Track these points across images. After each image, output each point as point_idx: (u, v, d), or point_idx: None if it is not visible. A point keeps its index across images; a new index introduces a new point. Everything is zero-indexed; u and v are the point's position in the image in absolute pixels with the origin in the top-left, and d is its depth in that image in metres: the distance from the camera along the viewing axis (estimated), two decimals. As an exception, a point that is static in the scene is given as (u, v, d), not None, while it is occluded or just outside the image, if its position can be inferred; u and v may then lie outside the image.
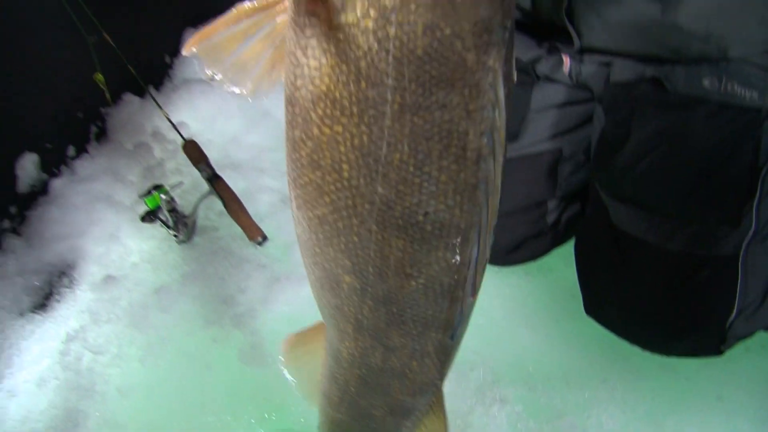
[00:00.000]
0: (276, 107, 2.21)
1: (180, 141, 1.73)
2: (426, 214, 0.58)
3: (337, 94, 0.54)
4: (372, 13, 0.50)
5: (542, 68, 1.27)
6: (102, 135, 2.05)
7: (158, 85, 2.34)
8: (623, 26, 1.12)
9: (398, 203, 0.58)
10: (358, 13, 0.51)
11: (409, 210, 0.58)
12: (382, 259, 0.62)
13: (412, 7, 0.49)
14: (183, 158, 1.74)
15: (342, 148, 0.57)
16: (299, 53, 0.56)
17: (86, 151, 1.96)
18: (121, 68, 1.77)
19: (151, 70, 2.33)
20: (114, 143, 2.02)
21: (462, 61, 0.51)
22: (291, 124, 0.59)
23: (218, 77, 0.65)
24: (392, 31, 0.50)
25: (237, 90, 0.65)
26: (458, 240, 0.60)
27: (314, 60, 0.55)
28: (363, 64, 0.52)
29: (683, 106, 1.11)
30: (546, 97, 1.28)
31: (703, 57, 1.09)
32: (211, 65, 0.64)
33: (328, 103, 0.55)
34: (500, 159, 0.57)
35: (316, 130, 0.57)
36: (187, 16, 2.48)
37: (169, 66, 2.42)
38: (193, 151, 1.63)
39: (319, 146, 0.58)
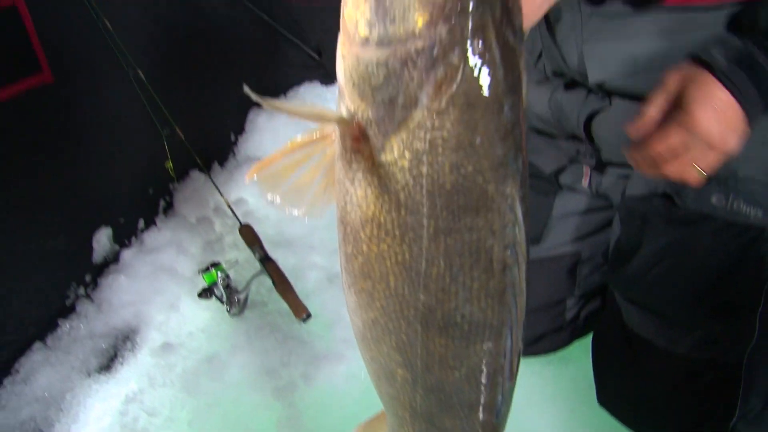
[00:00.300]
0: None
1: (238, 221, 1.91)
2: (463, 316, 0.68)
3: (382, 219, 0.65)
4: (407, 154, 0.60)
5: (565, 178, 1.39)
6: (169, 208, 2.26)
7: (222, 161, 2.56)
8: None
9: (438, 308, 0.67)
10: (396, 154, 0.61)
11: (448, 313, 0.68)
12: (428, 355, 0.71)
13: (440, 149, 0.59)
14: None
15: (388, 263, 0.67)
16: (347, 183, 0.66)
17: (154, 224, 2.17)
18: (190, 150, 1.98)
19: (217, 147, 2.56)
20: (179, 217, 2.22)
21: (484, 192, 0.61)
22: (344, 240, 0.69)
23: (277, 201, 0.72)
24: (424, 169, 0.60)
25: (294, 212, 0.73)
26: (492, 335, 0.70)
27: (361, 190, 0.65)
28: (402, 195, 0.62)
29: (692, 222, 1.21)
30: (567, 204, 1.39)
31: (712, 175, 1.19)
32: (270, 191, 0.72)
33: (374, 226, 0.65)
34: (523, 267, 0.66)
35: (365, 248, 0.67)
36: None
37: (234, 143, 2.65)
38: (248, 235, 1.80)
39: (369, 261, 0.68)
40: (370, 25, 0.58)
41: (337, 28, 0.62)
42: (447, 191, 0.61)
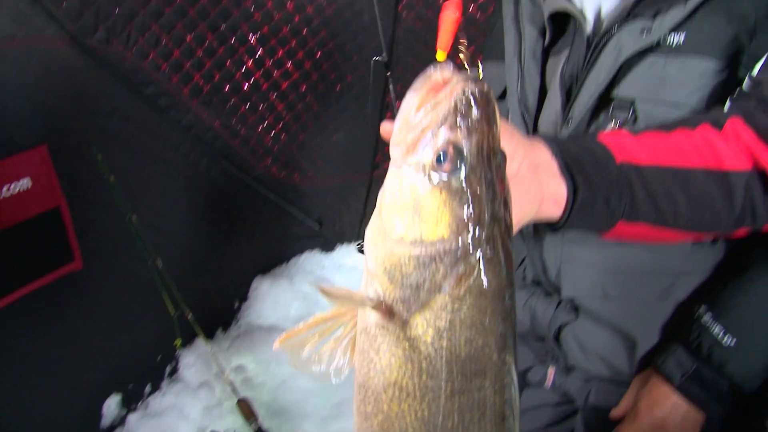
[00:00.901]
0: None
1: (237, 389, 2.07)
2: None
3: (404, 383, 0.77)
4: (430, 330, 0.74)
5: (532, 376, 1.56)
6: (174, 372, 2.42)
7: (226, 328, 2.75)
8: (599, 357, 1.40)
9: None
10: (420, 330, 0.75)
11: None
12: None
13: (458, 327, 0.74)
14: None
15: (408, 419, 0.79)
16: (372, 353, 0.78)
17: (159, 388, 2.33)
18: (195, 318, 2.19)
19: (221, 314, 2.77)
20: (182, 382, 2.38)
21: (489, 360, 0.76)
22: (363, 401, 0.79)
23: (299, 367, 0.82)
24: (444, 342, 0.74)
25: (315, 377, 0.82)
26: None
27: (385, 359, 0.77)
28: (424, 364, 0.75)
29: None
30: (532, 400, 1.55)
31: None
32: (295, 360, 0.81)
33: (396, 389, 0.77)
34: (518, 417, 0.81)
35: (386, 407, 0.78)
36: (257, 266, 2.98)
37: (237, 310, 2.86)
38: (245, 408, 1.97)
39: (389, 418, 0.79)
40: (407, 228, 0.73)
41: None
42: (462, 360, 0.77)
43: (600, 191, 0.96)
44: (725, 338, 1.15)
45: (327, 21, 2.46)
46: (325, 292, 0.76)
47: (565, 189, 0.93)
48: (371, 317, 0.78)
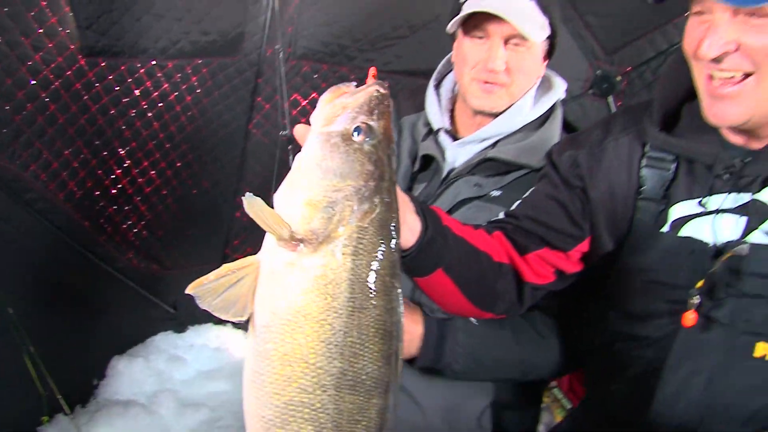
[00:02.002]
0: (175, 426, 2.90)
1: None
2: (367, 374, 0.92)
3: (309, 309, 0.90)
4: (339, 256, 0.90)
5: None
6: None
7: (84, 403, 3.01)
8: None
9: (350, 370, 0.91)
10: (327, 258, 0.90)
11: (357, 374, 0.91)
12: (339, 413, 0.91)
13: (362, 252, 0.91)
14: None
15: (311, 344, 0.89)
16: (278, 290, 0.91)
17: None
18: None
19: (81, 391, 3.02)
20: (43, 456, 2.62)
21: (385, 282, 0.93)
22: (264, 341, 0.90)
23: (209, 310, 0.93)
24: (349, 265, 0.91)
25: (224, 317, 0.93)
26: (383, 391, 0.94)
27: (292, 291, 0.90)
28: (330, 288, 0.90)
29: None
30: None
31: None
32: (204, 302, 0.93)
33: (301, 317, 0.90)
34: (402, 338, 0.96)
35: (289, 338, 0.90)
36: (115, 346, 3.27)
37: (95, 387, 3.12)
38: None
39: (292, 348, 0.90)
40: (326, 175, 0.93)
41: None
42: (362, 280, 0.91)
43: (437, 236, 1.23)
44: None
45: (188, 137, 2.94)
46: (253, 208, 0.90)
47: (420, 224, 1.18)
48: (278, 258, 0.92)
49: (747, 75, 1.20)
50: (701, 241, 1.36)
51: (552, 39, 1.85)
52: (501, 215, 1.58)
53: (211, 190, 3.14)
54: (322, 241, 0.91)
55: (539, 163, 1.74)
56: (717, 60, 1.20)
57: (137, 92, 2.67)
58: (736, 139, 1.34)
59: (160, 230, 3.11)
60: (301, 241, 0.91)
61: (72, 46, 2.40)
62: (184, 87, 2.78)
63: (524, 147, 1.81)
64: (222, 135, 2.99)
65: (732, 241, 1.32)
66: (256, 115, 2.98)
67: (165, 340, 3.46)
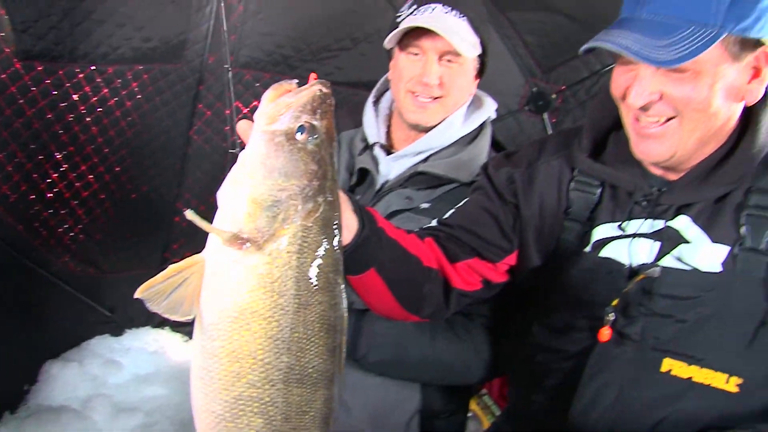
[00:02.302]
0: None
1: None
2: (313, 367, 0.95)
3: (256, 307, 0.91)
4: (284, 254, 0.92)
5: None
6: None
7: (14, 409, 2.96)
8: None
9: (297, 365, 0.94)
10: (273, 256, 0.91)
11: (304, 367, 0.94)
12: (287, 406, 0.94)
13: (306, 250, 0.93)
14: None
15: (258, 341, 0.91)
16: (224, 288, 0.92)
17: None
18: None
19: (10, 396, 2.97)
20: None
21: (328, 279, 0.96)
22: (211, 339, 0.92)
23: (159, 312, 0.94)
24: (295, 263, 0.93)
25: (173, 318, 0.96)
26: (328, 383, 0.97)
27: (238, 289, 0.91)
28: (276, 285, 0.92)
29: None
30: None
31: None
32: (153, 305, 0.94)
33: (248, 314, 0.91)
34: (345, 331, 0.99)
35: (236, 336, 0.91)
36: (48, 351, 3.22)
37: (26, 393, 3.07)
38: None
39: (239, 346, 0.91)
40: (271, 174, 0.93)
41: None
42: (307, 277, 0.94)
43: (372, 236, 1.26)
44: None
45: (127, 142, 2.93)
46: (194, 220, 0.93)
47: (357, 223, 1.20)
48: (224, 257, 0.93)
49: (670, 117, 1.33)
50: (618, 262, 1.47)
51: (483, 58, 1.96)
52: (434, 223, 1.66)
53: (151, 194, 3.13)
54: (267, 239, 0.92)
55: (468, 178, 1.86)
56: (644, 108, 1.32)
57: (75, 97, 2.64)
58: (656, 170, 1.45)
59: (98, 234, 3.09)
60: (247, 240, 0.92)
61: (7, 50, 2.37)
62: (124, 92, 2.77)
63: (454, 162, 1.92)
64: (162, 141, 2.99)
65: (646, 264, 1.44)
66: (197, 121, 3.00)
67: (101, 343, 3.42)
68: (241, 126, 1.02)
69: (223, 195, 0.98)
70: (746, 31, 1.26)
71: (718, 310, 1.38)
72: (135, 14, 2.61)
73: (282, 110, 0.96)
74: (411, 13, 1.90)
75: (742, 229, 1.37)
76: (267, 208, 0.93)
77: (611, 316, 1.44)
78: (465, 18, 1.88)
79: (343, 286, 1.01)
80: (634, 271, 1.45)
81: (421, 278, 1.48)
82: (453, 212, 1.66)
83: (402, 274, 1.42)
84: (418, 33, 1.86)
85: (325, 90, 0.98)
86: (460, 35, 1.85)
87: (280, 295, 0.93)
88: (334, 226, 0.99)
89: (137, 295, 0.94)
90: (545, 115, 3.10)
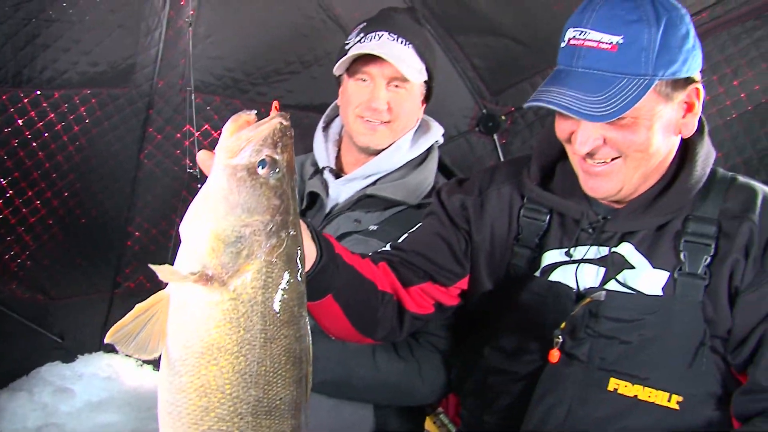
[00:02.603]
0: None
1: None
2: (281, 399, 0.96)
3: (222, 342, 0.92)
4: (249, 289, 0.92)
5: None
6: None
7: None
8: None
9: (265, 397, 0.95)
10: (238, 292, 0.92)
11: (272, 399, 0.95)
12: None
13: (270, 285, 0.93)
14: None
15: (226, 375, 0.92)
16: (190, 324, 0.92)
17: None
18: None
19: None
20: None
21: (293, 312, 0.97)
22: (178, 374, 0.92)
23: (129, 353, 0.94)
24: (260, 298, 0.93)
25: (143, 357, 0.95)
26: (295, 412, 0.99)
27: (204, 325, 0.91)
28: (242, 319, 0.93)
29: None
30: None
31: None
32: (123, 347, 0.93)
33: (215, 349, 0.92)
34: (311, 362, 1.00)
35: (204, 370, 0.91)
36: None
37: (-28, 425, 2.99)
38: None
39: (207, 380, 0.92)
40: (233, 210, 0.93)
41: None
42: (273, 312, 0.95)
43: (330, 263, 1.29)
44: None
45: (75, 167, 2.89)
46: (156, 269, 0.92)
47: (315, 251, 1.24)
48: (189, 293, 0.93)
49: (615, 157, 1.40)
50: (567, 286, 1.54)
51: (429, 84, 2.02)
52: (387, 247, 1.69)
53: (101, 219, 3.09)
54: (231, 275, 0.93)
55: (415, 201, 1.93)
56: (590, 154, 1.40)
57: (20, 122, 2.62)
58: (602, 200, 1.52)
59: (46, 260, 3.04)
60: (211, 276, 0.92)
61: (-52, 76, 2.34)
62: (71, 117, 2.75)
63: (401, 185, 1.97)
64: (111, 165, 2.96)
65: (592, 288, 1.51)
66: (147, 145, 2.98)
67: (51, 371, 3.35)
68: (201, 157, 1.02)
69: (185, 229, 0.97)
70: (676, 73, 1.34)
71: (660, 332, 1.45)
72: (81, 38, 2.59)
73: (242, 144, 0.95)
74: (359, 40, 1.96)
75: (681, 255, 1.44)
76: (231, 244, 0.93)
77: (559, 339, 1.50)
78: (411, 45, 1.95)
79: (307, 318, 1.02)
80: (580, 295, 1.52)
81: (376, 303, 1.51)
82: (406, 237, 1.70)
83: (358, 299, 1.45)
84: (366, 59, 1.91)
85: (285, 122, 0.98)
86: (406, 62, 1.92)
87: (246, 330, 0.94)
88: (298, 260, 1.00)
89: (107, 340, 0.92)
90: (495, 136, 3.17)
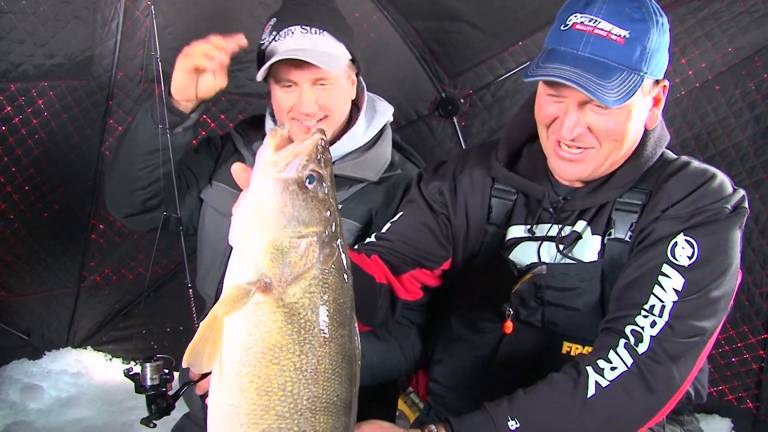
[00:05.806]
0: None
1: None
2: (338, 396, 1.03)
3: (284, 342, 0.99)
4: (308, 295, 1.00)
5: None
6: None
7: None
8: None
9: (324, 394, 1.01)
10: (298, 296, 0.99)
11: (330, 396, 1.02)
12: None
13: (328, 290, 1.02)
14: None
15: (287, 373, 0.98)
16: (250, 328, 0.98)
17: None
18: None
19: None
20: None
21: (346, 315, 1.05)
22: (238, 376, 0.98)
23: (205, 371, 1.01)
24: (318, 302, 1.01)
25: (209, 369, 1.01)
26: (348, 409, 1.05)
27: (265, 328, 0.98)
28: (302, 321, 1.00)
29: None
30: None
31: None
32: (199, 368, 1.00)
33: (276, 349, 0.99)
34: (359, 362, 1.07)
35: (265, 370, 0.98)
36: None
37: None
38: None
39: (268, 379, 0.98)
40: (290, 223, 1.00)
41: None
42: (330, 314, 1.03)
43: None
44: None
45: (35, 160, 2.87)
46: (224, 297, 0.98)
47: None
48: (257, 293, 0.99)
49: (592, 146, 1.51)
50: (515, 263, 1.66)
51: (354, 57, 2.00)
52: (373, 238, 1.77)
53: (63, 213, 3.07)
54: (290, 282, 1.00)
55: (375, 177, 1.99)
56: (573, 140, 1.49)
57: (-25, 116, 2.58)
58: (564, 180, 1.63)
59: (8, 256, 3.01)
60: (270, 284, 0.99)
61: None
62: (29, 110, 2.72)
63: (360, 163, 2.01)
64: (72, 157, 2.94)
65: (534, 263, 1.63)
66: (108, 137, 2.96)
67: (18, 368, 3.31)
68: (236, 168, 1.08)
69: (238, 240, 1.02)
70: (658, 74, 1.49)
71: (598, 296, 1.57)
72: (36, 30, 2.56)
73: (289, 158, 1.02)
74: (273, 39, 1.91)
75: (611, 223, 1.57)
76: (289, 254, 1.00)
77: (510, 312, 1.63)
78: (325, 31, 1.91)
79: (356, 319, 1.09)
80: (522, 272, 1.64)
81: (376, 295, 1.61)
82: (390, 227, 1.78)
83: (362, 292, 1.55)
84: (285, 64, 1.86)
85: (325, 139, 1.06)
86: (325, 52, 1.88)
87: (306, 330, 1.01)
88: (347, 267, 1.08)
89: (184, 364, 0.98)
90: (455, 119, 3.23)
